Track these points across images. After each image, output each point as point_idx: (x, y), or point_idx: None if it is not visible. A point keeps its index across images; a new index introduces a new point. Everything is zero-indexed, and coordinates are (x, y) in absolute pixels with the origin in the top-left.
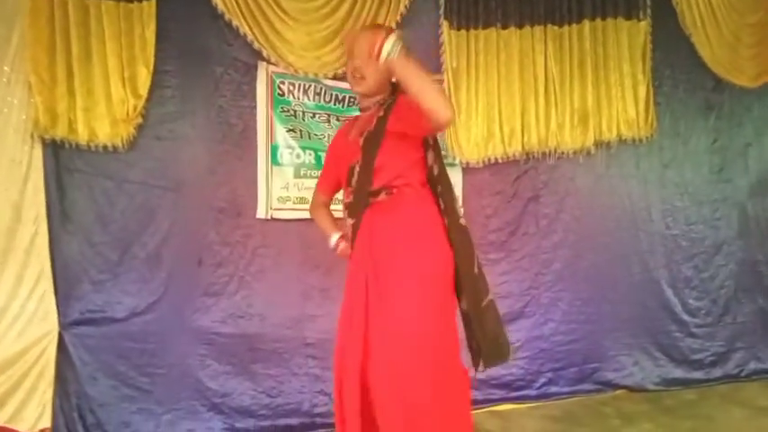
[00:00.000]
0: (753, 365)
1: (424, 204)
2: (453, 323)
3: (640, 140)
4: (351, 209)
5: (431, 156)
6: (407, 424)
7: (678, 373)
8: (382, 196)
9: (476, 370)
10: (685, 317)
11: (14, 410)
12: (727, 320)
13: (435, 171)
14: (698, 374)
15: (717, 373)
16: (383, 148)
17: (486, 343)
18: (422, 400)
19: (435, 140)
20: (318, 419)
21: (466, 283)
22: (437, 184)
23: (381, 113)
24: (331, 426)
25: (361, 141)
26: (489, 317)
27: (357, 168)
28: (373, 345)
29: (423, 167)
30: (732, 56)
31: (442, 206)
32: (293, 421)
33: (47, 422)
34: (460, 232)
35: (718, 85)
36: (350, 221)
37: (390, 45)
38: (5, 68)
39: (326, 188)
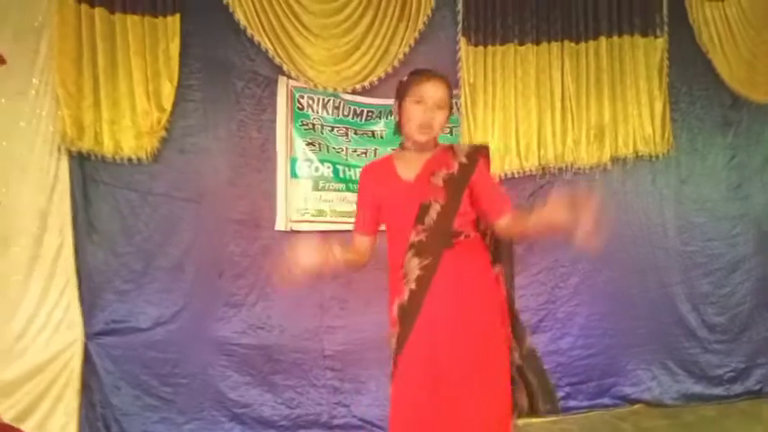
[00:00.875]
0: None
1: (486, 251)
2: None
3: (657, 156)
4: (423, 248)
5: None
6: None
7: (697, 388)
8: (461, 239)
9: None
10: (703, 333)
11: (41, 419)
12: (746, 337)
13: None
14: (717, 390)
15: (737, 389)
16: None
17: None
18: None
19: None
20: (337, 430)
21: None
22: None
23: (464, 161)
24: None
25: (440, 182)
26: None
27: (437, 208)
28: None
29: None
30: (749, 72)
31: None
32: None
33: (72, 430)
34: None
35: (735, 101)
36: (421, 261)
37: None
38: (34, 80)
39: (369, 227)
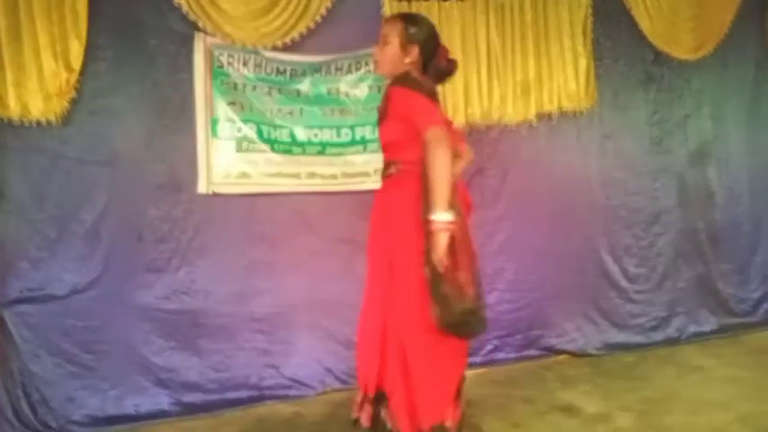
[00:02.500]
0: (692, 329)
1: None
2: None
3: (581, 112)
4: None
5: None
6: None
7: (620, 337)
8: (391, 170)
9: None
10: (625, 283)
11: None
12: (666, 286)
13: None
14: (639, 338)
15: (657, 337)
16: (386, 127)
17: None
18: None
19: None
20: (267, 392)
21: None
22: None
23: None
24: (276, 398)
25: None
26: None
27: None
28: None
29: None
30: (671, 29)
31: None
32: (242, 394)
33: None
34: None
35: (657, 57)
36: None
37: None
38: None
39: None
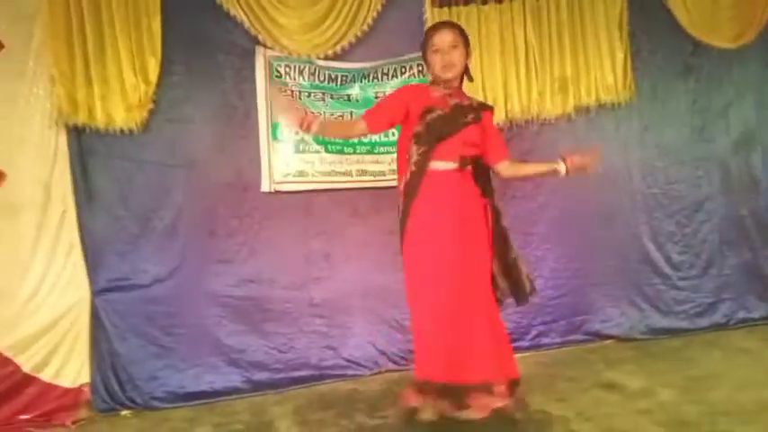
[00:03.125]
0: (741, 315)
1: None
2: None
3: (619, 105)
4: (421, 138)
5: None
6: None
7: (665, 322)
8: (467, 166)
9: None
10: (669, 270)
11: (57, 369)
12: (712, 273)
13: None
14: (684, 324)
15: (704, 322)
16: (475, 130)
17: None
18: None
19: None
20: (326, 371)
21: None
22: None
23: (475, 105)
24: (335, 377)
25: (449, 102)
26: None
27: (438, 112)
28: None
29: None
30: (710, 18)
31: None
32: (304, 373)
33: (86, 378)
34: None
35: (696, 48)
36: (419, 148)
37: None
38: (30, 63)
39: (375, 123)
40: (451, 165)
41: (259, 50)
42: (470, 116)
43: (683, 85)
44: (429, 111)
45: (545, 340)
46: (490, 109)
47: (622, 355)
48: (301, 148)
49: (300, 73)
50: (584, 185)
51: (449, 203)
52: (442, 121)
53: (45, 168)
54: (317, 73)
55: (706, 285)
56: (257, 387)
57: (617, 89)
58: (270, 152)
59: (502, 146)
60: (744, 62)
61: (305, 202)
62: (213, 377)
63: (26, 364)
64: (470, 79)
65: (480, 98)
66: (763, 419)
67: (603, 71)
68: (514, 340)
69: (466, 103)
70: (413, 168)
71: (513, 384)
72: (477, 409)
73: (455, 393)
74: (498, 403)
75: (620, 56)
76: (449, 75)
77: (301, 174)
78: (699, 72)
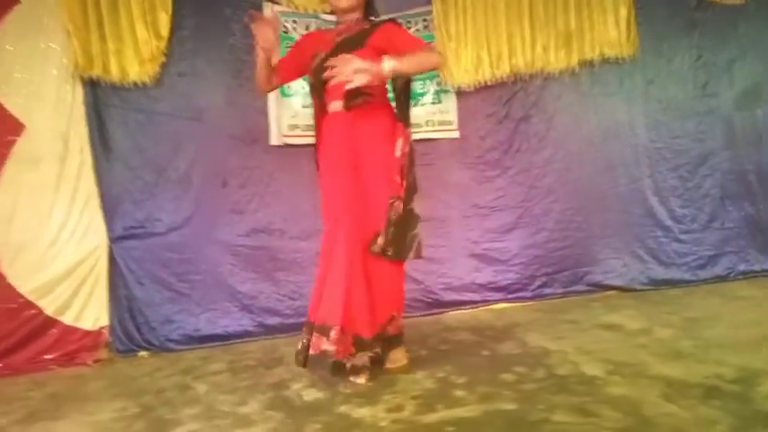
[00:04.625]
0: (742, 267)
1: (389, 111)
2: None
3: (623, 59)
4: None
5: None
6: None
7: (667, 274)
8: (359, 100)
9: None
10: (671, 223)
11: (77, 312)
12: (714, 226)
13: (400, 82)
14: (686, 276)
15: (705, 274)
16: (361, 55)
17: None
18: None
19: None
20: None
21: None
22: (401, 94)
23: (367, 27)
24: None
25: (337, 39)
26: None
27: (322, 56)
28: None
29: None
30: None
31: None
32: None
33: (105, 321)
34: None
35: (700, 3)
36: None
37: (388, 67)
38: (45, 19)
39: (283, 74)
40: (338, 105)
41: (266, 5)
42: (354, 46)
43: (687, 41)
44: (314, 56)
45: (547, 291)
46: (386, 21)
47: (623, 302)
48: (309, 101)
49: (307, 28)
50: (589, 140)
51: (337, 149)
52: (323, 64)
53: (63, 121)
54: (323, 28)
55: (708, 239)
56: (269, 331)
57: (621, 44)
58: (278, 106)
59: (411, 45)
60: (749, 17)
61: (313, 154)
62: (226, 321)
63: (48, 307)
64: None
65: (485, 53)
66: (755, 350)
67: (607, 26)
68: (517, 290)
69: (354, 32)
70: (313, 120)
71: (358, 340)
72: (312, 347)
73: (308, 331)
74: (325, 346)
75: (623, 10)
76: (342, 4)
77: (309, 127)
78: (703, 27)
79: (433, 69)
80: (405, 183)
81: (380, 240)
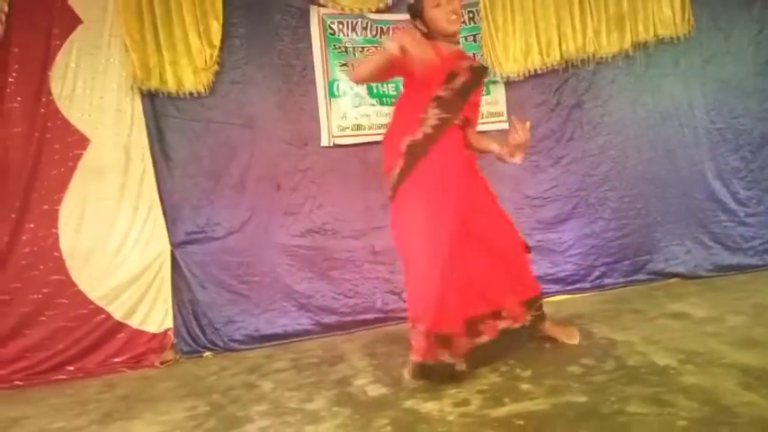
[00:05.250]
0: None
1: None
2: None
3: (678, 39)
4: (444, 104)
5: None
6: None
7: (732, 260)
8: (460, 123)
9: None
10: (735, 206)
11: (144, 316)
12: None
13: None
14: (753, 260)
15: None
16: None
17: None
18: None
19: None
20: (390, 314)
21: None
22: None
23: (476, 65)
24: (399, 319)
25: (466, 65)
26: None
27: (462, 80)
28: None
29: None
30: None
31: None
32: (369, 316)
33: (169, 323)
34: None
35: None
36: (440, 113)
37: None
38: (105, 35)
39: (386, 75)
40: (459, 120)
41: (313, 9)
42: (482, 77)
43: (746, 14)
44: (454, 76)
45: (608, 281)
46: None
47: (688, 290)
48: (357, 102)
49: (353, 29)
50: (645, 124)
51: (455, 161)
52: (465, 88)
53: (124, 133)
54: (368, 27)
55: None
56: (326, 329)
57: (675, 23)
58: (327, 108)
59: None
60: None
61: (362, 154)
62: (285, 321)
63: (116, 312)
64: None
65: (533, 40)
66: None
67: (661, 4)
68: (575, 281)
69: (475, 62)
70: (428, 131)
71: (530, 302)
72: (487, 333)
73: (469, 329)
74: (504, 324)
75: None
76: (456, 27)
77: (358, 127)
78: (763, 0)
79: None
80: None
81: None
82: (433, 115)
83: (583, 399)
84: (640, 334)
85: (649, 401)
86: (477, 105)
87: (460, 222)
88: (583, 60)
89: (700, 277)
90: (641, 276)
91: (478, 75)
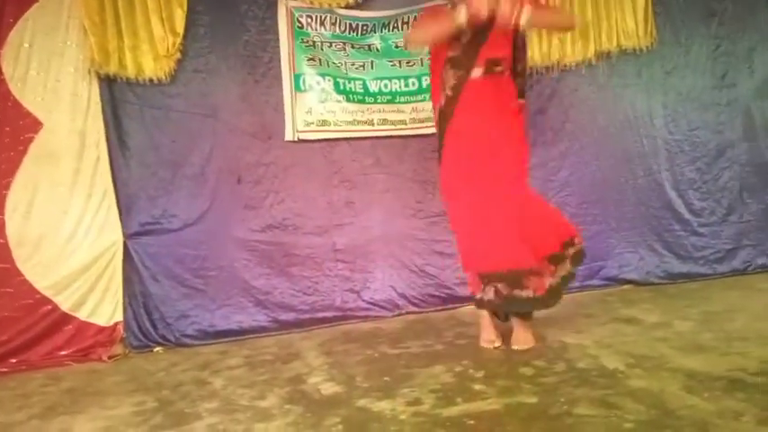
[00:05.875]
0: (761, 261)
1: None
2: None
3: (641, 50)
4: (456, 62)
5: None
6: None
7: (684, 268)
8: (496, 71)
9: None
10: (689, 216)
11: (93, 308)
12: (732, 219)
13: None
14: (703, 270)
15: (723, 268)
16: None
17: None
18: None
19: None
20: (349, 313)
21: None
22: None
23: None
24: (359, 317)
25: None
26: None
27: (468, 35)
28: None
29: None
30: None
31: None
32: (328, 314)
33: (119, 316)
34: None
35: None
36: (455, 72)
37: (525, 19)
38: (63, 16)
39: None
40: (478, 72)
41: (281, 1)
42: (489, 26)
43: (705, 30)
44: (459, 34)
45: None
46: None
47: (640, 297)
48: (324, 97)
49: (322, 23)
50: (606, 132)
51: (477, 116)
52: (474, 41)
53: (79, 118)
54: (338, 23)
55: (726, 232)
56: (283, 326)
57: (638, 34)
58: (293, 102)
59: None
60: None
61: (327, 150)
62: (241, 317)
63: (64, 303)
64: None
65: None
66: None
67: (624, 16)
68: None
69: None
70: (449, 93)
71: (568, 245)
72: (534, 290)
73: (510, 278)
74: (549, 280)
75: (641, 0)
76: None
77: (324, 123)
78: (722, 15)
79: (567, 29)
80: None
81: None
82: (449, 77)
83: (533, 399)
84: (592, 338)
85: (597, 404)
86: (504, 47)
87: (485, 187)
88: (547, 68)
89: (652, 284)
90: (596, 282)
91: (484, 25)
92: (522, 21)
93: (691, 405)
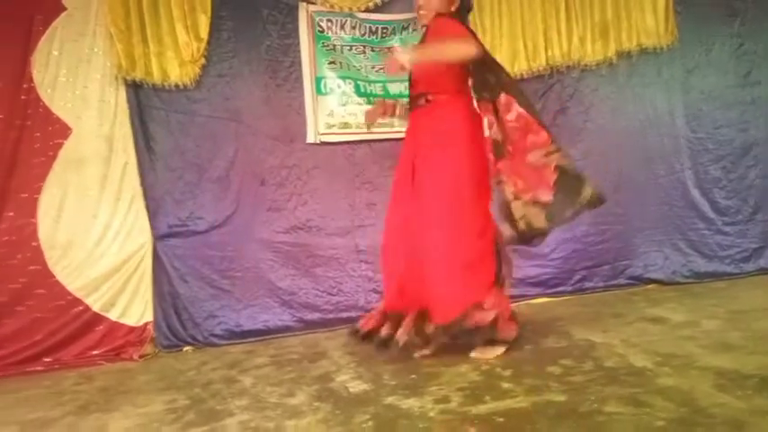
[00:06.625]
0: None
1: (463, 106)
2: None
3: (661, 49)
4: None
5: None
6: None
7: (710, 267)
8: (422, 102)
9: None
10: (713, 215)
11: (123, 308)
12: (759, 218)
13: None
14: (729, 269)
15: (749, 267)
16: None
17: None
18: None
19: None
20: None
21: None
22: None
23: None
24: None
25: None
26: None
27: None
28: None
29: (456, 76)
30: None
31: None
32: (352, 314)
33: (149, 317)
34: None
35: None
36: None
37: (406, 58)
38: (90, 24)
39: None
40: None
41: (302, 6)
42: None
43: (727, 29)
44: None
45: (588, 285)
46: (439, 16)
47: (665, 296)
48: (344, 100)
49: (342, 27)
50: (627, 131)
51: (405, 147)
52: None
53: (107, 123)
54: (357, 26)
55: (752, 230)
56: (308, 326)
57: (659, 33)
58: (314, 105)
59: (444, 35)
60: None
61: (349, 152)
62: (267, 317)
63: (95, 304)
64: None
65: (520, 46)
66: None
67: (644, 15)
68: (556, 285)
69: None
70: (403, 114)
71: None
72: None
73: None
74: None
75: None
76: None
77: (345, 125)
78: (744, 14)
79: (463, 58)
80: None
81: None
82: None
83: (562, 398)
84: (619, 336)
85: (627, 402)
86: (423, 76)
87: (410, 215)
88: (568, 67)
89: (677, 283)
90: (621, 281)
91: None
92: (404, 61)
93: (722, 403)
